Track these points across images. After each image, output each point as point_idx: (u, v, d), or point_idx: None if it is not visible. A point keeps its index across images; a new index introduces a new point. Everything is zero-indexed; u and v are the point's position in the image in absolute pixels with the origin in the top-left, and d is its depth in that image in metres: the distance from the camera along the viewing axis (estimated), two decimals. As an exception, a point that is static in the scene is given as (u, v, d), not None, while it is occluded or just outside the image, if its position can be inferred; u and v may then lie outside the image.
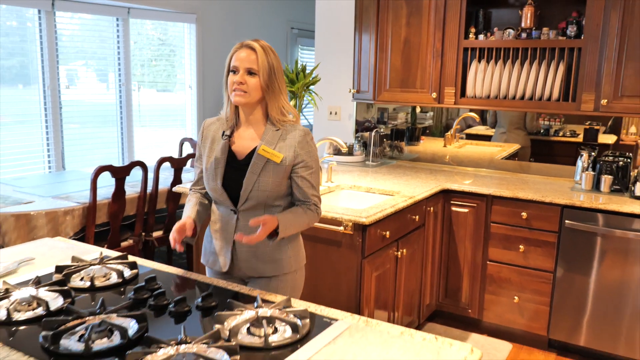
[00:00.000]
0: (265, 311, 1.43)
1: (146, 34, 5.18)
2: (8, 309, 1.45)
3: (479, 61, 3.56)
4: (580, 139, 3.63)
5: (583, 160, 3.35)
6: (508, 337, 3.40)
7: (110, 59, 4.81)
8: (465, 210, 3.37)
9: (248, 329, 1.38)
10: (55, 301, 1.53)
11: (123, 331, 1.32)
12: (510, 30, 3.51)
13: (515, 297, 3.29)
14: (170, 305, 1.52)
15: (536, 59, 3.40)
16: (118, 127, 4.93)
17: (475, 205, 3.34)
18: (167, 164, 3.81)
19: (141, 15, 4.91)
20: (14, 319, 1.43)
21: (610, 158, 3.23)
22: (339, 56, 4.24)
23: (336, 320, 1.47)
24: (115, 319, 1.38)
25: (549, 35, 3.38)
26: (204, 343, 1.26)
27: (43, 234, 3.09)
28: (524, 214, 3.19)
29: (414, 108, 4.25)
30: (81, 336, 1.31)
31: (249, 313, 1.42)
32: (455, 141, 4.09)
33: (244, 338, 1.34)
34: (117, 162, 4.90)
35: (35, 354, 1.27)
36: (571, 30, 3.31)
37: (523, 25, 3.47)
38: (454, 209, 3.41)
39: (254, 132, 1.84)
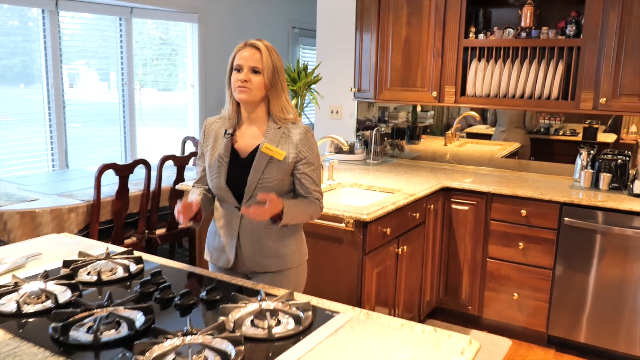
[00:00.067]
0: (268, 304, 1.47)
1: (148, 33, 5.21)
2: (18, 302, 1.48)
3: (479, 60, 3.59)
4: (580, 137, 3.65)
5: (582, 158, 3.38)
6: (508, 333, 3.43)
7: (113, 59, 4.84)
8: (465, 207, 3.40)
9: (252, 321, 1.41)
10: (64, 294, 1.57)
11: (130, 323, 1.36)
12: (510, 30, 3.54)
13: (515, 294, 3.32)
14: (176, 299, 1.56)
15: (536, 58, 3.43)
16: (121, 126, 4.97)
17: (475, 202, 3.37)
18: (170, 162, 3.83)
19: (144, 15, 4.94)
20: (24, 312, 1.46)
21: (609, 156, 3.26)
22: (340, 55, 4.27)
23: (338, 313, 1.50)
24: (123, 312, 1.42)
25: (548, 35, 3.41)
26: (209, 334, 1.29)
27: (48, 231, 3.12)
28: (524, 212, 3.22)
29: (414, 107, 4.28)
30: (90, 327, 1.35)
31: (252, 306, 1.46)
32: (455, 140, 4.12)
33: (248, 329, 1.38)
34: (120, 161, 4.93)
35: (45, 344, 1.30)
36: (570, 29, 3.34)
37: (523, 24, 3.50)
38: (454, 206, 3.44)
39: (257, 130, 1.87)
